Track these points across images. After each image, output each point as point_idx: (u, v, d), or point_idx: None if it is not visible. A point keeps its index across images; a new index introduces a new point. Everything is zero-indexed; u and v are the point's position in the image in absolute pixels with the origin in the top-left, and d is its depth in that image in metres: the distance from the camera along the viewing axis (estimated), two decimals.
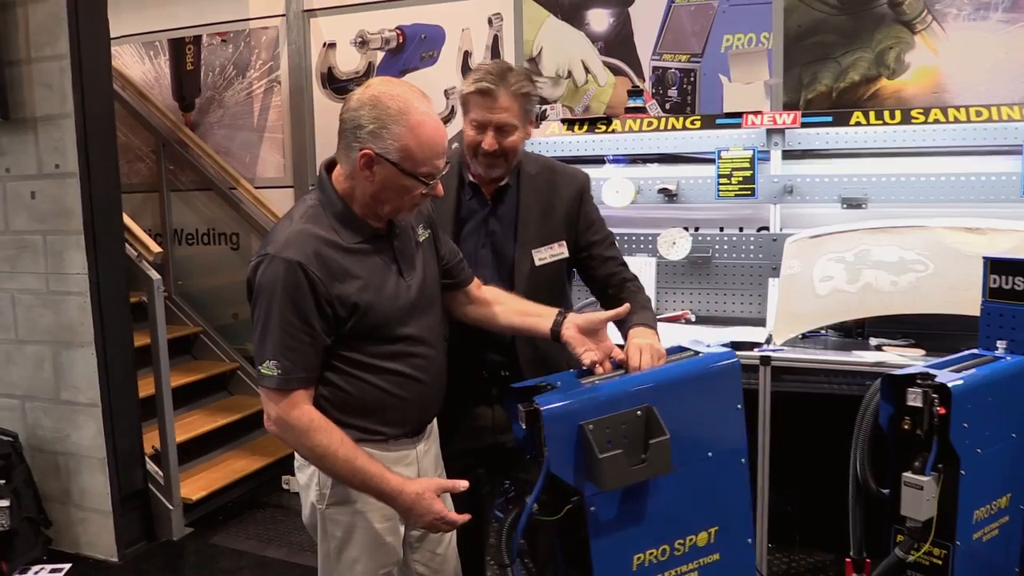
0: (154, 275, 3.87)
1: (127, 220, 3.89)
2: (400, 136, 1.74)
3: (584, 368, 1.91)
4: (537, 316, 2.06)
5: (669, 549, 1.87)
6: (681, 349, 2.02)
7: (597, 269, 2.33)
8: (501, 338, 2.22)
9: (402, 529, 1.98)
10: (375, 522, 1.92)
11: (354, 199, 1.84)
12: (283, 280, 1.74)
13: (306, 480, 1.96)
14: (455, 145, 2.40)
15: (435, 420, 2.11)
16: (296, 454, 1.95)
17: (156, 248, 3.96)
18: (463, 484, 1.88)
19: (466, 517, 1.89)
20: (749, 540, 1.99)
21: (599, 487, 1.72)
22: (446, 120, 4.57)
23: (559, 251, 2.27)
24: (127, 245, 3.85)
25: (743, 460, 1.96)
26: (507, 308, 2.12)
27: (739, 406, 1.96)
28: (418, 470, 2.00)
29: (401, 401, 1.91)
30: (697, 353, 1.99)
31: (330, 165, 1.90)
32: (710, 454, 1.91)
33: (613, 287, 2.31)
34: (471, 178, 2.27)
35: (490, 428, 2.27)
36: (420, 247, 2.00)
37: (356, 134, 1.77)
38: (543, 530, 1.97)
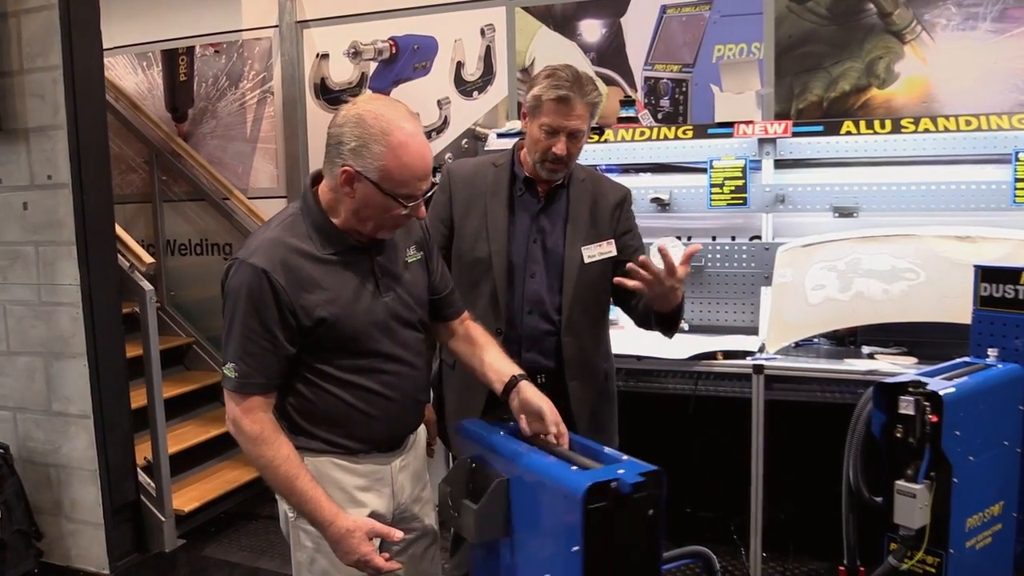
0: (146, 286, 3.86)
1: (119, 231, 3.87)
2: (380, 156, 1.72)
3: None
4: (497, 372, 2.01)
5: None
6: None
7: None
8: (544, 341, 2.27)
9: (376, 540, 1.92)
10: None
11: (337, 213, 1.83)
12: (247, 286, 1.76)
13: None
14: (515, 140, 2.45)
15: (417, 435, 2.08)
16: None
17: (148, 259, 3.96)
18: (398, 535, 1.83)
19: (394, 566, 1.83)
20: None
21: (469, 538, 1.88)
22: (439, 130, 4.58)
23: (608, 249, 2.34)
24: (119, 256, 3.83)
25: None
26: (477, 351, 2.08)
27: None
28: (392, 487, 1.97)
29: (366, 417, 1.88)
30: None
31: (318, 176, 1.89)
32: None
33: (634, 297, 2.31)
34: (526, 173, 2.33)
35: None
36: (408, 267, 1.97)
37: (339, 150, 1.76)
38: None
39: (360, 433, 1.90)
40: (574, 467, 1.72)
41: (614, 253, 2.34)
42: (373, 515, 1.91)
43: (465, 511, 1.86)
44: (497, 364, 2.03)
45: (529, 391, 1.94)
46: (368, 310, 1.85)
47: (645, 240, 2.53)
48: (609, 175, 2.48)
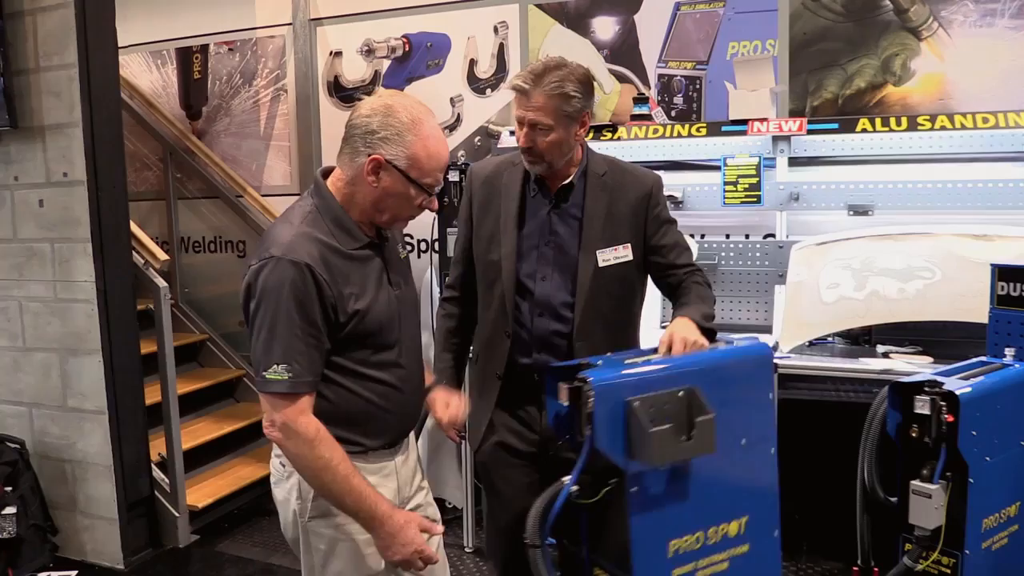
0: (161, 283, 3.88)
1: (134, 228, 3.90)
2: (411, 144, 1.78)
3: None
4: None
5: (703, 537, 1.88)
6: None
7: (661, 276, 2.33)
8: (554, 343, 2.25)
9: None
10: (357, 533, 1.89)
11: (352, 205, 1.86)
12: (291, 282, 1.73)
13: (285, 494, 1.94)
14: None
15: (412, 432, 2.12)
16: (273, 468, 1.96)
17: (163, 256, 3.97)
18: (440, 528, 1.95)
19: (438, 558, 1.92)
20: (776, 533, 2.00)
21: (648, 462, 1.73)
22: (452, 127, 4.58)
23: (623, 254, 2.26)
24: (134, 253, 3.86)
25: (773, 451, 1.99)
26: None
27: (770, 396, 2.00)
28: (397, 482, 1.99)
29: (384, 412, 1.90)
30: (730, 343, 2.07)
31: (325, 173, 1.92)
32: (743, 442, 1.93)
33: (674, 296, 2.29)
34: (535, 180, 2.30)
35: (539, 432, 2.27)
36: (403, 263, 2.05)
37: (367, 140, 1.79)
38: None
39: (376, 429, 1.91)
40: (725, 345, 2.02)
41: (630, 258, 2.26)
42: None
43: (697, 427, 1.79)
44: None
45: (441, 398, 2.17)
46: (386, 303, 1.89)
47: None
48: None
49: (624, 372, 1.81)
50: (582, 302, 2.23)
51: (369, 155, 1.78)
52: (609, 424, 1.74)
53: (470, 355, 2.47)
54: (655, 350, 1.98)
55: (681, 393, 1.79)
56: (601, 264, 2.24)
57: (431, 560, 1.85)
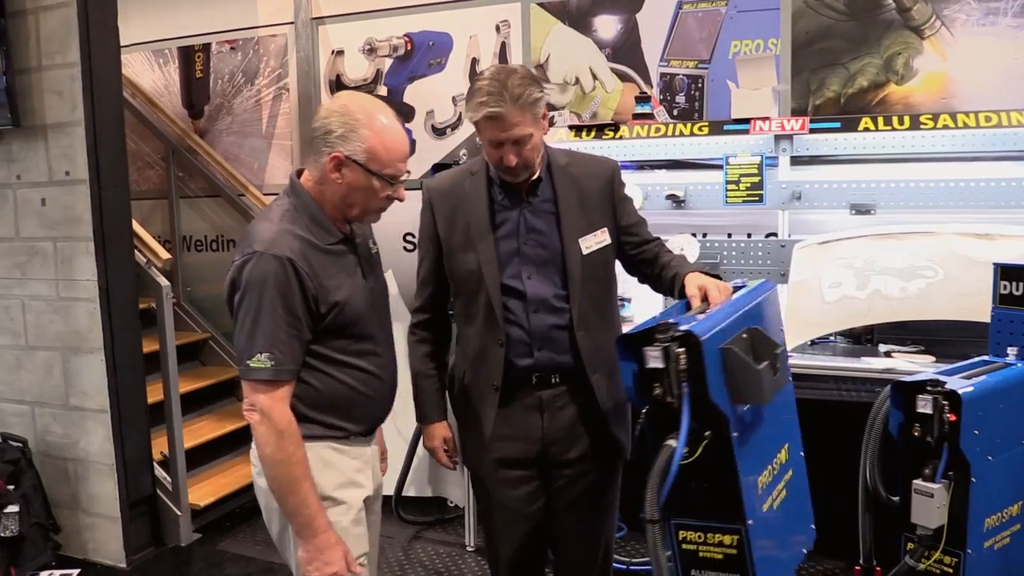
0: (163, 281, 3.89)
1: (136, 227, 3.90)
2: (366, 139, 1.87)
3: None
4: None
5: (771, 468, 1.96)
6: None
7: (636, 253, 2.33)
8: (556, 337, 2.22)
9: (365, 524, 2.07)
10: (341, 515, 1.98)
11: (324, 203, 1.96)
12: (274, 275, 1.83)
13: None
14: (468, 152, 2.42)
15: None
16: (255, 460, 1.99)
17: (165, 255, 3.98)
18: (359, 570, 1.98)
19: None
20: (801, 452, 2.14)
21: (760, 401, 1.79)
22: (454, 126, 4.59)
23: (603, 238, 2.25)
24: (136, 252, 3.86)
25: (790, 377, 2.07)
26: None
27: (781, 328, 2.13)
28: (372, 469, 2.12)
29: (364, 398, 2.01)
30: (745, 285, 2.12)
31: (299, 173, 2.01)
32: None
33: (652, 265, 2.31)
34: (501, 182, 2.24)
35: (540, 438, 2.24)
36: (374, 258, 2.14)
37: (326, 139, 1.89)
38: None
39: (358, 414, 2.02)
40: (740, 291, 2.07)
41: (609, 242, 2.26)
42: (366, 499, 2.06)
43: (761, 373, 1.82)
44: None
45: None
46: (362, 294, 2.00)
47: (663, 237, 2.48)
48: (622, 171, 2.39)
49: (703, 324, 1.81)
50: (576, 292, 2.21)
51: (330, 153, 1.89)
52: (714, 374, 1.76)
53: (456, 374, 2.38)
54: (687, 305, 2.03)
55: (745, 335, 1.85)
56: (585, 252, 2.23)
57: None
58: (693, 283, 2.06)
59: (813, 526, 2.19)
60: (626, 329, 2.05)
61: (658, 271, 2.29)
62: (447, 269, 2.29)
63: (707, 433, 1.79)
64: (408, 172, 2.00)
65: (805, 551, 2.17)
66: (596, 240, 2.25)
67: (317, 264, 1.89)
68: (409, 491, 4.08)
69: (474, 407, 2.29)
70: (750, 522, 1.84)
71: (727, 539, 1.88)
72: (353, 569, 1.95)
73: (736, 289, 2.08)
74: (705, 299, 2.00)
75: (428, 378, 2.36)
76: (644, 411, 1.89)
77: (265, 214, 1.98)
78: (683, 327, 1.76)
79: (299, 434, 1.88)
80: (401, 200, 2.00)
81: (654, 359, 1.78)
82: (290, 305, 1.84)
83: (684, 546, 1.95)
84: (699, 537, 1.93)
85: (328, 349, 1.94)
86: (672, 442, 1.76)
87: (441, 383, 2.38)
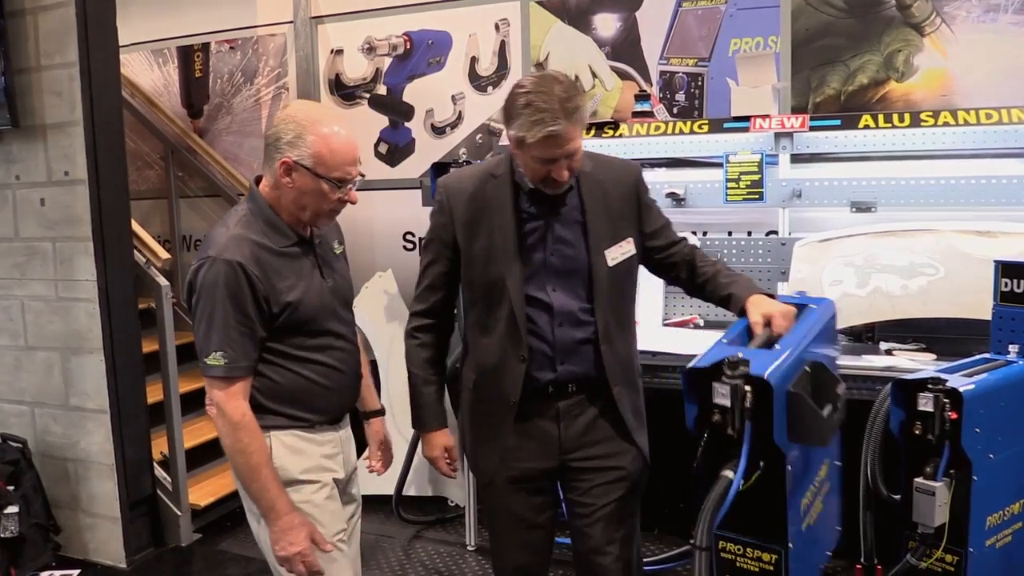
0: (162, 281, 3.88)
1: (136, 227, 3.90)
2: (312, 144, 1.96)
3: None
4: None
5: (814, 489, 2.01)
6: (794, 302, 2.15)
7: (668, 255, 2.27)
8: (578, 351, 2.15)
9: (340, 502, 2.17)
10: (312, 494, 2.08)
11: (280, 207, 2.05)
12: (223, 279, 1.93)
13: None
14: (498, 155, 2.31)
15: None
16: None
17: (165, 255, 3.98)
18: (329, 547, 2.06)
19: (320, 568, 2.02)
20: (838, 462, 2.17)
21: (821, 444, 1.83)
22: (453, 125, 4.58)
23: (628, 248, 2.18)
24: (136, 252, 3.86)
25: None
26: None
27: (838, 347, 2.18)
28: (343, 454, 2.20)
29: (326, 390, 2.10)
30: (805, 305, 2.12)
31: (258, 180, 2.09)
32: None
33: (688, 270, 2.27)
34: (530, 185, 2.12)
35: (558, 447, 2.18)
36: (337, 258, 2.23)
37: (276, 146, 1.98)
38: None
39: (321, 405, 2.11)
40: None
41: (634, 252, 2.19)
42: (336, 481, 2.15)
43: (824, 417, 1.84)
44: (368, 392, 2.41)
45: (374, 429, 2.44)
46: (319, 294, 2.08)
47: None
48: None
49: (769, 360, 1.82)
50: (602, 305, 2.14)
51: (280, 159, 1.98)
52: (779, 416, 1.78)
53: (465, 383, 2.31)
54: (748, 329, 2.03)
55: (808, 369, 1.87)
56: (611, 264, 2.16)
57: (312, 567, 2.00)
58: (756, 310, 2.05)
59: (839, 527, 2.22)
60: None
61: (701, 282, 2.24)
62: (465, 277, 2.20)
63: (761, 464, 1.83)
64: (362, 175, 2.07)
65: (829, 552, 2.20)
66: (621, 251, 2.17)
67: (270, 266, 1.99)
68: (409, 491, 4.07)
69: (488, 421, 2.22)
70: (791, 545, 1.90)
71: (766, 556, 1.95)
72: (323, 547, 2.03)
73: (799, 308, 2.07)
74: (768, 324, 1.99)
75: (429, 384, 2.27)
76: (703, 441, 1.90)
77: (224, 219, 2.08)
78: (753, 369, 1.78)
79: (255, 425, 1.98)
80: (353, 203, 2.06)
81: (722, 396, 1.80)
82: (241, 306, 1.95)
83: (723, 554, 2.02)
84: (738, 549, 1.99)
85: (286, 346, 2.04)
86: (730, 474, 1.79)
87: (441, 389, 2.32)
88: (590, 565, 2.21)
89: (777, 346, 1.94)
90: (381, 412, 2.44)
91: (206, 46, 5.27)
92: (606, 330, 2.15)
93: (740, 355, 1.83)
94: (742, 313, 2.11)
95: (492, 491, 2.26)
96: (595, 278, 2.14)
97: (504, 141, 4.10)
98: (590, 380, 2.17)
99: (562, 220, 2.16)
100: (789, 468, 1.83)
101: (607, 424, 2.19)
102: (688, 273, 2.27)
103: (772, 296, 2.13)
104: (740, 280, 2.19)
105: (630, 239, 2.20)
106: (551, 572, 2.39)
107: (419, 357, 2.27)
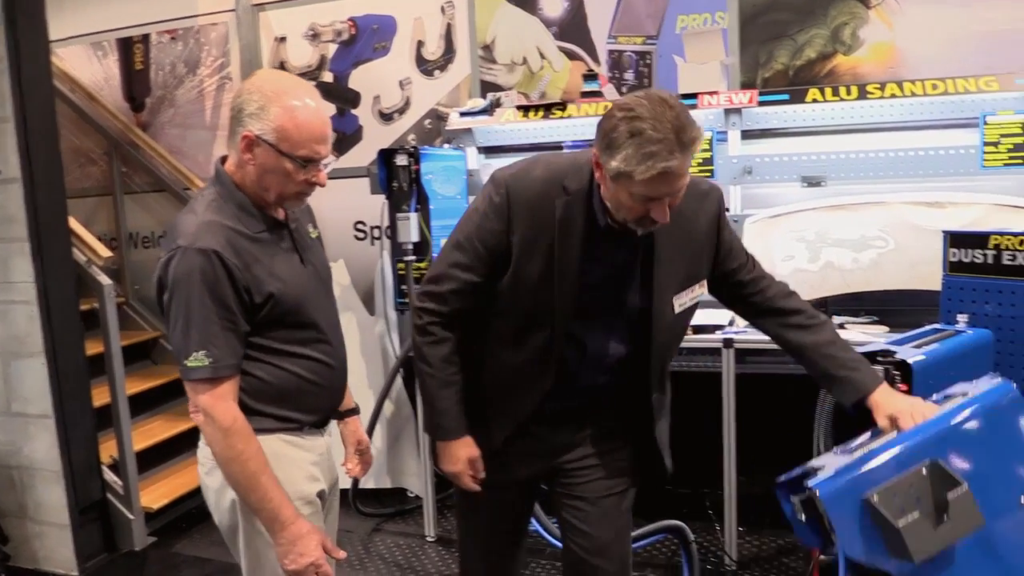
0: (105, 280, 3.76)
1: (74, 225, 3.78)
2: (276, 117, 1.75)
3: None
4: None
5: None
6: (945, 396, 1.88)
7: (751, 295, 2.04)
8: (594, 392, 2.02)
9: (322, 515, 2.01)
10: (295, 502, 1.86)
11: (245, 188, 1.85)
12: (200, 270, 1.73)
13: (220, 483, 1.89)
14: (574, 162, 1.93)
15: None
16: (204, 457, 1.92)
17: (106, 252, 3.86)
18: (342, 554, 1.92)
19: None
20: None
21: (909, 560, 1.54)
22: (401, 111, 4.50)
23: (699, 292, 1.95)
24: (75, 250, 3.74)
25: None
26: None
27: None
28: (329, 462, 2.04)
29: (315, 387, 1.92)
30: (965, 395, 1.82)
31: (223, 161, 1.90)
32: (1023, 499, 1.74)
33: (778, 314, 2.05)
34: (609, 220, 1.82)
35: (550, 450, 2.05)
36: (313, 242, 2.04)
37: (239, 119, 1.79)
38: None
39: (310, 404, 1.93)
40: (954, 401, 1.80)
41: (703, 294, 1.96)
42: (320, 493, 1.97)
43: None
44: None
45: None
46: (300, 281, 1.90)
47: None
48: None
49: (850, 467, 1.61)
50: (659, 356, 1.95)
51: (242, 133, 1.78)
52: (855, 529, 1.56)
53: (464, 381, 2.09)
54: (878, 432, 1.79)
55: (924, 471, 1.60)
56: (678, 310, 1.92)
57: None
58: (882, 412, 1.81)
59: None
60: None
61: (798, 344, 2.03)
62: (508, 293, 1.90)
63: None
64: (335, 156, 1.91)
65: None
66: (690, 297, 1.94)
67: (247, 253, 1.79)
68: (367, 483, 4.01)
69: (481, 427, 2.03)
70: None
71: None
72: (334, 554, 1.89)
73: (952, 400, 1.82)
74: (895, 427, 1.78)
75: (449, 386, 1.98)
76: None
77: (190, 205, 1.86)
78: (810, 481, 1.58)
79: (248, 429, 1.78)
80: (322, 185, 1.86)
81: (798, 510, 1.65)
82: (221, 299, 1.74)
83: None
84: None
85: (273, 341, 1.85)
86: None
87: (461, 391, 2.00)
88: (585, 565, 2.08)
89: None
90: (356, 411, 2.22)
91: (146, 37, 5.13)
92: (659, 379, 1.99)
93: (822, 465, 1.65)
94: (857, 406, 1.87)
95: (470, 493, 2.06)
96: (656, 325, 1.90)
97: (451, 125, 4.05)
98: (599, 408, 2.04)
99: (631, 256, 1.88)
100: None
101: (607, 426, 2.06)
102: (777, 326, 2.04)
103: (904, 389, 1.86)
104: (861, 368, 1.91)
105: (703, 282, 1.97)
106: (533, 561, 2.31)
107: (435, 356, 1.96)
